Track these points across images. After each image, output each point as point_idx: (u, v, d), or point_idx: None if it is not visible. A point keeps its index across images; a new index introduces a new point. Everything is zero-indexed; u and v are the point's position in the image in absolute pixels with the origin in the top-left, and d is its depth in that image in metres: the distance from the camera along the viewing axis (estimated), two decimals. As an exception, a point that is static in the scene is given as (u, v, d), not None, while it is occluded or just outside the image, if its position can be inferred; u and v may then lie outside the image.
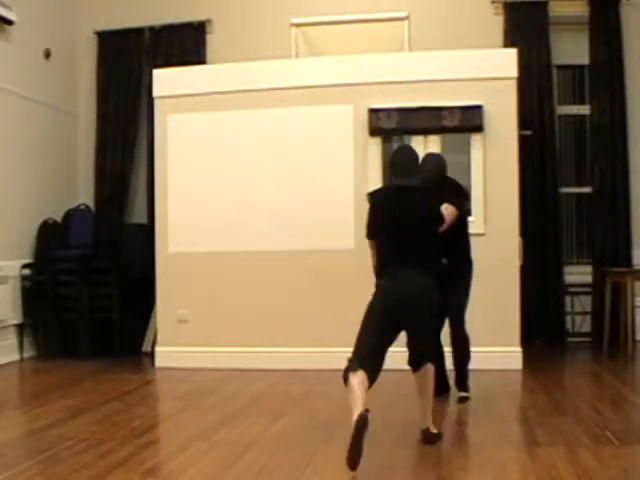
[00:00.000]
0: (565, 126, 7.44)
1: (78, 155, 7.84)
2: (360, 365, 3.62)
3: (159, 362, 6.30)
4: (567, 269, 7.13)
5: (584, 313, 7.11)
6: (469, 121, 5.92)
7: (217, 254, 6.21)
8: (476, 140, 5.97)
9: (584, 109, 7.32)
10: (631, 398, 4.96)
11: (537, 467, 3.43)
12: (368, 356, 3.69)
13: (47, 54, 7.33)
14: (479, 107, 5.90)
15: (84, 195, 7.69)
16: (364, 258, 4.14)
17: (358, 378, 3.57)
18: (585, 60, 7.12)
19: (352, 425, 3.37)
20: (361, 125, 6.06)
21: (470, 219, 5.20)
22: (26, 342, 6.80)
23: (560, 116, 7.30)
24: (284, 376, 5.69)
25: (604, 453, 3.60)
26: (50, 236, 7.07)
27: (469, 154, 5.98)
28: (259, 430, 4.18)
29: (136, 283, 6.86)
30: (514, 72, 5.92)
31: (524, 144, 6.22)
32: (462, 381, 4.80)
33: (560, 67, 7.31)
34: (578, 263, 7.34)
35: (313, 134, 6.14)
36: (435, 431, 3.88)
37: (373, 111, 6.03)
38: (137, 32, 7.62)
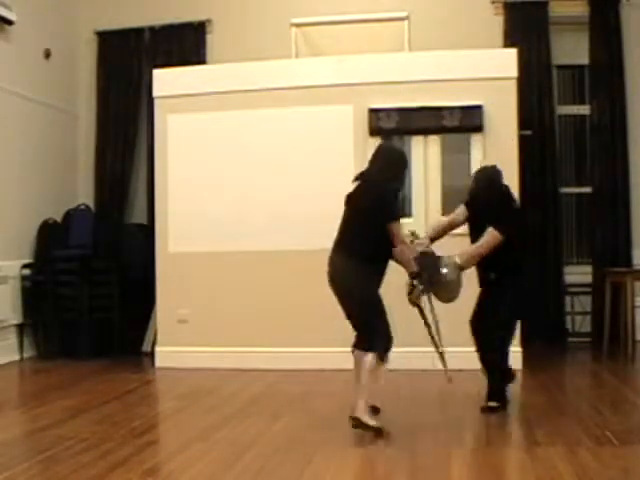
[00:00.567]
0: (565, 126, 7.44)
1: (78, 155, 7.84)
2: None
3: (159, 362, 6.30)
4: (567, 269, 7.13)
5: (584, 313, 7.11)
6: (469, 121, 5.92)
7: (217, 254, 6.21)
8: (476, 140, 5.97)
9: (584, 109, 7.32)
10: (631, 398, 4.96)
11: (537, 467, 3.43)
12: None
13: (47, 54, 7.33)
14: (479, 107, 5.90)
15: (84, 195, 7.69)
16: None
17: None
18: (585, 60, 7.12)
19: None
20: (361, 125, 6.06)
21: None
22: (26, 342, 6.80)
23: (560, 116, 7.30)
24: (284, 376, 5.69)
25: (604, 453, 3.60)
26: (50, 236, 7.07)
27: (469, 154, 5.98)
28: (259, 430, 4.18)
29: (136, 283, 6.86)
30: (514, 72, 5.92)
31: (524, 144, 6.21)
32: (489, 391, 4.58)
33: (560, 67, 7.31)
34: (578, 263, 7.34)
35: (313, 134, 6.14)
36: (369, 423, 3.96)
37: (373, 111, 6.02)
38: (137, 32, 7.62)
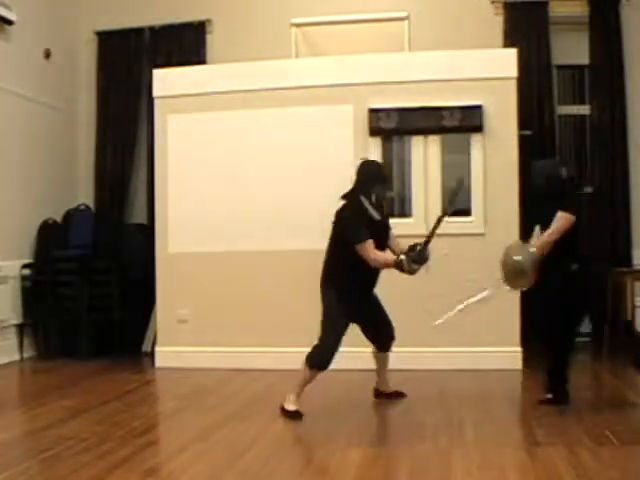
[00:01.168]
0: (565, 126, 7.43)
1: (78, 155, 7.84)
2: None
3: (159, 362, 6.30)
4: (567, 269, 7.12)
5: (584, 313, 7.11)
6: (469, 121, 5.92)
7: (217, 254, 6.21)
8: (476, 140, 5.97)
9: (584, 109, 7.31)
10: (631, 398, 4.96)
11: (537, 467, 3.44)
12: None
13: (47, 54, 7.33)
14: (479, 107, 5.90)
15: (84, 195, 7.69)
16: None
17: None
18: (585, 60, 7.11)
19: None
20: (361, 125, 6.06)
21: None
22: (26, 342, 6.80)
23: (560, 116, 7.29)
24: (284, 376, 5.67)
25: (604, 453, 3.60)
26: (50, 236, 7.07)
27: (469, 154, 5.98)
28: (259, 430, 4.18)
29: (136, 283, 6.86)
30: (514, 72, 5.91)
31: (524, 144, 6.21)
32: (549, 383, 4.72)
33: (560, 67, 7.30)
34: (578, 263, 7.32)
35: (313, 134, 6.14)
36: (290, 408, 4.42)
37: (373, 111, 6.02)
38: (137, 32, 7.62)
